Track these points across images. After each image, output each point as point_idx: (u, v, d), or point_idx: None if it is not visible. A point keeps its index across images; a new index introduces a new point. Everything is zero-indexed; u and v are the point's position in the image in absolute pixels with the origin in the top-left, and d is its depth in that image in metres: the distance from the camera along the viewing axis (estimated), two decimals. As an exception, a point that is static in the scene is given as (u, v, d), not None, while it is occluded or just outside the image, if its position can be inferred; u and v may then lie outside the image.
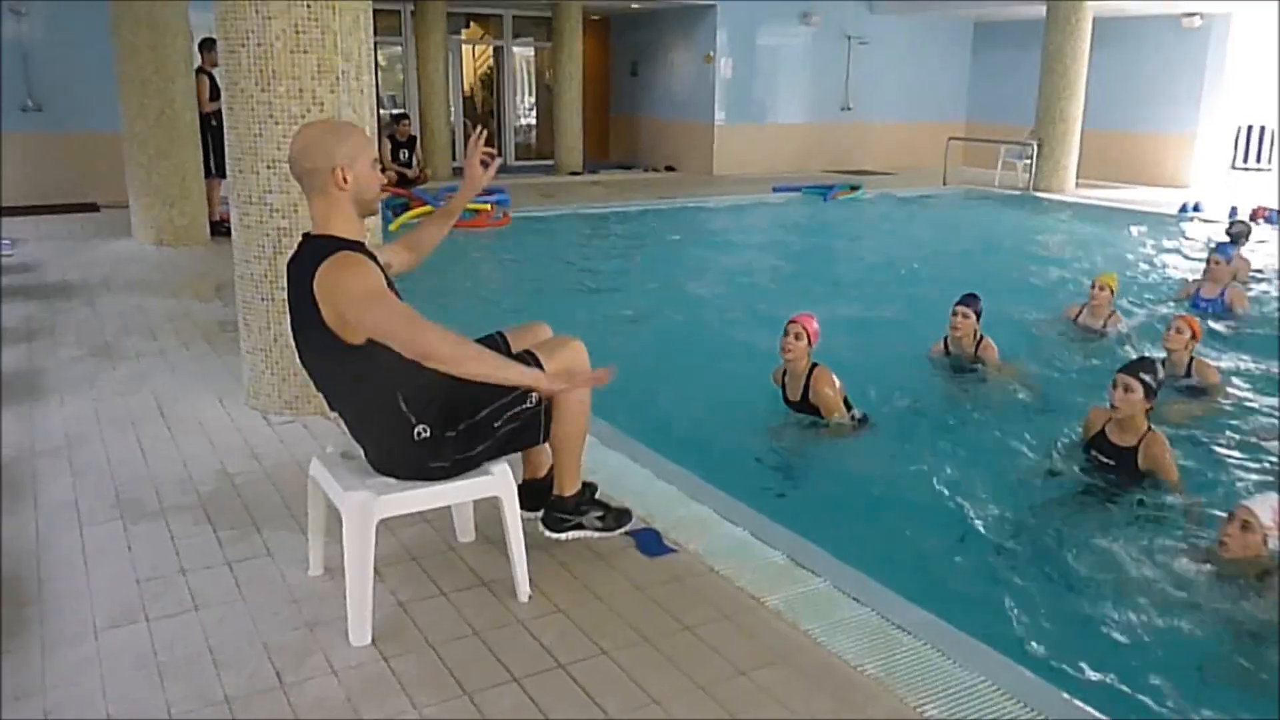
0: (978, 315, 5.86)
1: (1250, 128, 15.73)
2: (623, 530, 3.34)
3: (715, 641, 2.87)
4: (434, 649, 2.82)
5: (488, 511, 3.25)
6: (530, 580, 3.09)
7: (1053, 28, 14.95)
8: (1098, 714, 2.60)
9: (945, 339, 6.02)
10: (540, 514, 3.29)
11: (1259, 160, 15.74)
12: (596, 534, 3.28)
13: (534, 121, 20.91)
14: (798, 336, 4.91)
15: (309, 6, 4.28)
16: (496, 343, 3.13)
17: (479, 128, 3.37)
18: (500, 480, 2.98)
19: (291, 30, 4.28)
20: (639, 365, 6.30)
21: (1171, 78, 16.19)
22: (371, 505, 2.79)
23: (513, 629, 2.93)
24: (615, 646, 2.84)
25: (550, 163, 18.13)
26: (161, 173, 9.10)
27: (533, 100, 21.03)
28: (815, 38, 17.91)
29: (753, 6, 17.08)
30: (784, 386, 5.12)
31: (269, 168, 4.42)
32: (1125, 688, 3.00)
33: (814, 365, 4.98)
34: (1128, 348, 6.77)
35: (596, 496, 3.34)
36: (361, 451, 3.01)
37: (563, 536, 3.24)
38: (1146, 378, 4.29)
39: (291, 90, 4.34)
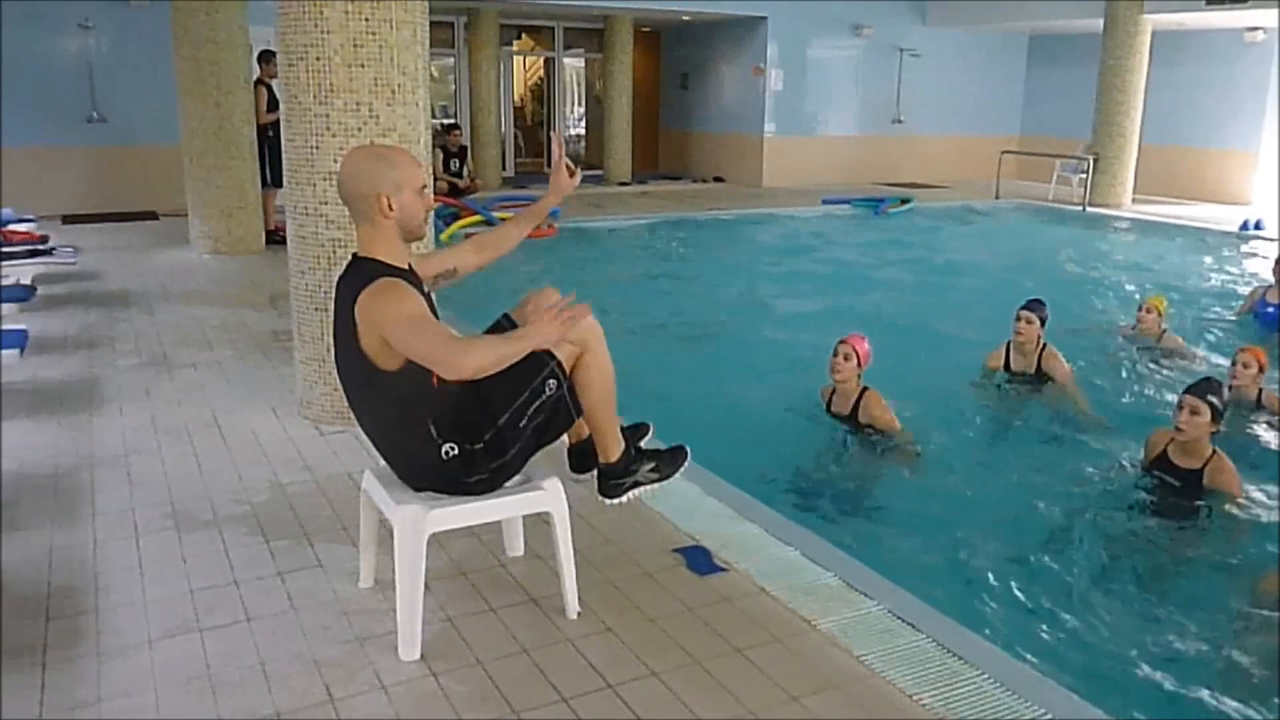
0: (1042, 322, 5.71)
1: (1316, 143, 15.31)
2: (680, 470, 3.21)
3: (766, 665, 2.83)
4: (482, 666, 2.80)
5: (537, 526, 3.24)
6: (579, 597, 3.07)
7: (1111, 41, 14.70)
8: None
9: (1007, 346, 5.87)
10: (591, 475, 3.20)
11: (1325, 176, 15.31)
12: (656, 485, 3.17)
13: (583, 132, 21.04)
14: (846, 357, 4.85)
15: (367, 21, 4.32)
16: (503, 325, 3.06)
17: (558, 134, 3.34)
18: (552, 495, 2.96)
19: (350, 44, 4.32)
20: (687, 377, 6.30)
21: (1234, 93, 15.82)
22: (423, 519, 2.79)
23: (562, 647, 2.90)
24: (665, 668, 2.80)
25: (599, 173, 18.17)
26: (219, 184, 9.25)
27: (582, 111, 21.17)
28: (867, 50, 17.79)
29: (804, 18, 17.01)
30: (829, 402, 5.06)
31: (325, 180, 4.46)
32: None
33: (864, 388, 4.92)
34: (1185, 363, 6.62)
35: (643, 446, 3.24)
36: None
37: (623, 499, 3.14)
38: (1213, 399, 4.17)
39: (348, 104, 4.38)
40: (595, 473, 3.18)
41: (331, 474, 4.17)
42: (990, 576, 3.74)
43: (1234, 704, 3.02)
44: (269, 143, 9.89)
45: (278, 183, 10.44)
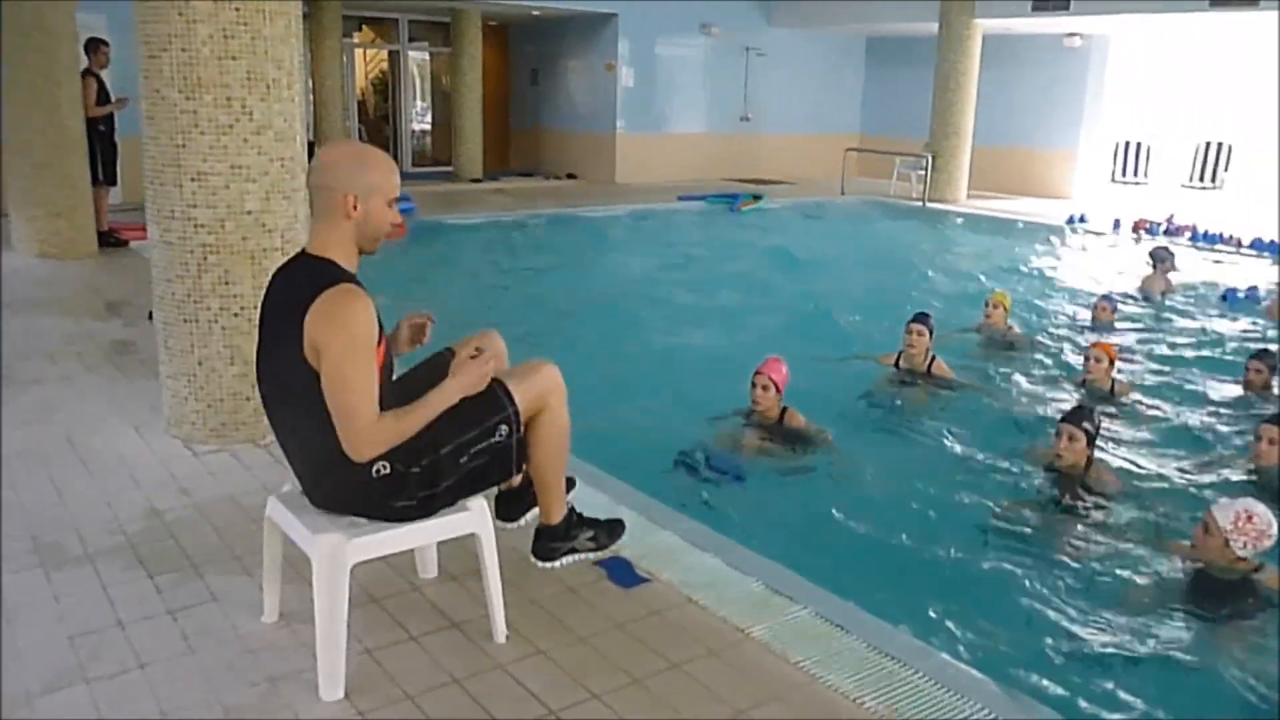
0: (930, 333, 5.95)
1: (1128, 143, 16.50)
2: (617, 544, 3.18)
3: (707, 679, 2.77)
4: (412, 700, 2.64)
5: (448, 545, 3.09)
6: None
7: (945, 45, 15.41)
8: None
9: (898, 356, 6.09)
10: (516, 524, 3.12)
11: (1137, 174, 16.52)
12: (592, 555, 3.13)
13: (429, 127, 20.55)
14: (765, 388, 4.90)
15: (238, 10, 4.03)
16: (445, 358, 2.92)
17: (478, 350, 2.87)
18: (478, 517, 2.82)
19: (220, 35, 4.01)
20: (570, 382, 6.18)
21: (1055, 95, 16.88)
22: (344, 549, 2.60)
23: (495, 675, 2.77)
24: (606, 690, 2.71)
25: (449, 169, 17.81)
26: (48, 182, 8.51)
27: (427, 105, 20.66)
28: (715, 49, 18.05)
29: (654, 16, 17.11)
30: (748, 419, 5.07)
31: (194, 180, 4.13)
32: (1125, 697, 3.02)
33: (784, 409, 4.97)
34: (1042, 358, 6.98)
35: (583, 515, 3.18)
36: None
37: (557, 564, 3.08)
38: (1088, 427, 4.44)
39: (219, 99, 4.08)
40: (534, 530, 3.11)
41: (213, 497, 3.87)
42: (902, 572, 3.82)
43: (1151, 690, 3.17)
44: (99, 137, 9.18)
45: (110, 180, 9.72)
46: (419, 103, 20.45)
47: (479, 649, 2.89)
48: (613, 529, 3.21)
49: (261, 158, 4.21)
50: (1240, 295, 9.36)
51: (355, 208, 2.53)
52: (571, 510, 3.11)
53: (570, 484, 3.21)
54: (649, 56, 17.40)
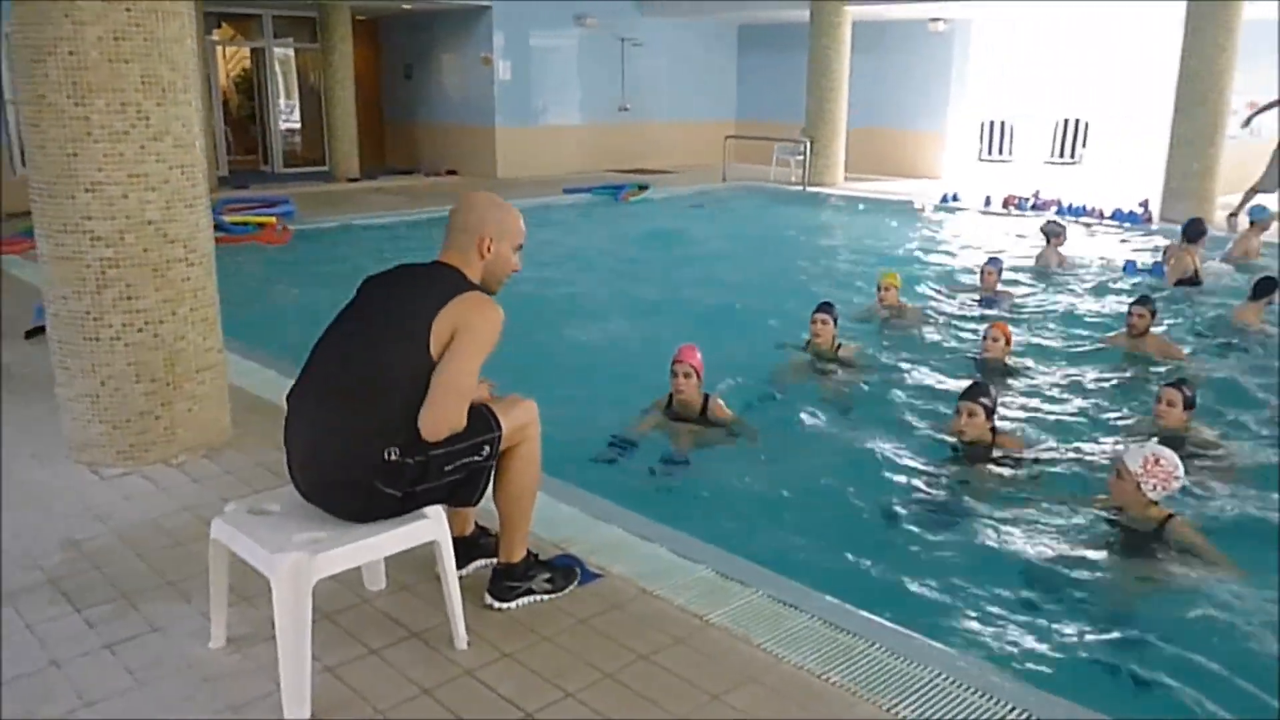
0: (835, 321, 6.11)
1: (993, 123, 17.24)
2: (573, 588, 3.19)
3: (677, 668, 2.80)
4: (385, 716, 2.59)
5: (396, 556, 3.03)
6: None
7: (817, 31, 15.78)
8: (1063, 699, 2.73)
9: (806, 343, 6.24)
10: (466, 571, 3.17)
11: (1002, 152, 17.28)
12: (547, 597, 3.13)
13: (298, 126, 19.90)
14: (687, 376, 4.94)
15: (129, 11, 3.83)
16: None
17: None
18: (436, 525, 2.78)
19: (110, 38, 3.81)
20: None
21: (922, 79, 17.50)
22: (307, 567, 2.52)
23: (464, 682, 2.73)
24: (579, 687, 2.71)
25: (323, 169, 17.33)
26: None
27: (294, 104, 20.00)
28: (591, 40, 18.05)
29: (528, 8, 16.99)
30: (668, 410, 5.11)
31: (88, 191, 3.92)
32: (1059, 657, 3.18)
33: (706, 397, 5.03)
34: (934, 335, 7.25)
35: (539, 557, 3.20)
36: (277, 502, 2.75)
37: (512, 605, 3.07)
38: (985, 401, 4.63)
39: (112, 104, 3.87)
40: (491, 570, 3.14)
41: (131, 523, 3.68)
42: (848, 552, 3.91)
43: (1083, 637, 3.35)
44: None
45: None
46: (285, 101, 19.79)
47: (443, 657, 2.85)
48: (568, 573, 3.22)
49: (161, 165, 4.02)
50: (1139, 267, 9.70)
51: (489, 249, 2.82)
52: (530, 552, 3.13)
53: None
54: (524, 49, 17.27)
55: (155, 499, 3.90)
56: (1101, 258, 10.52)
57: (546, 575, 3.14)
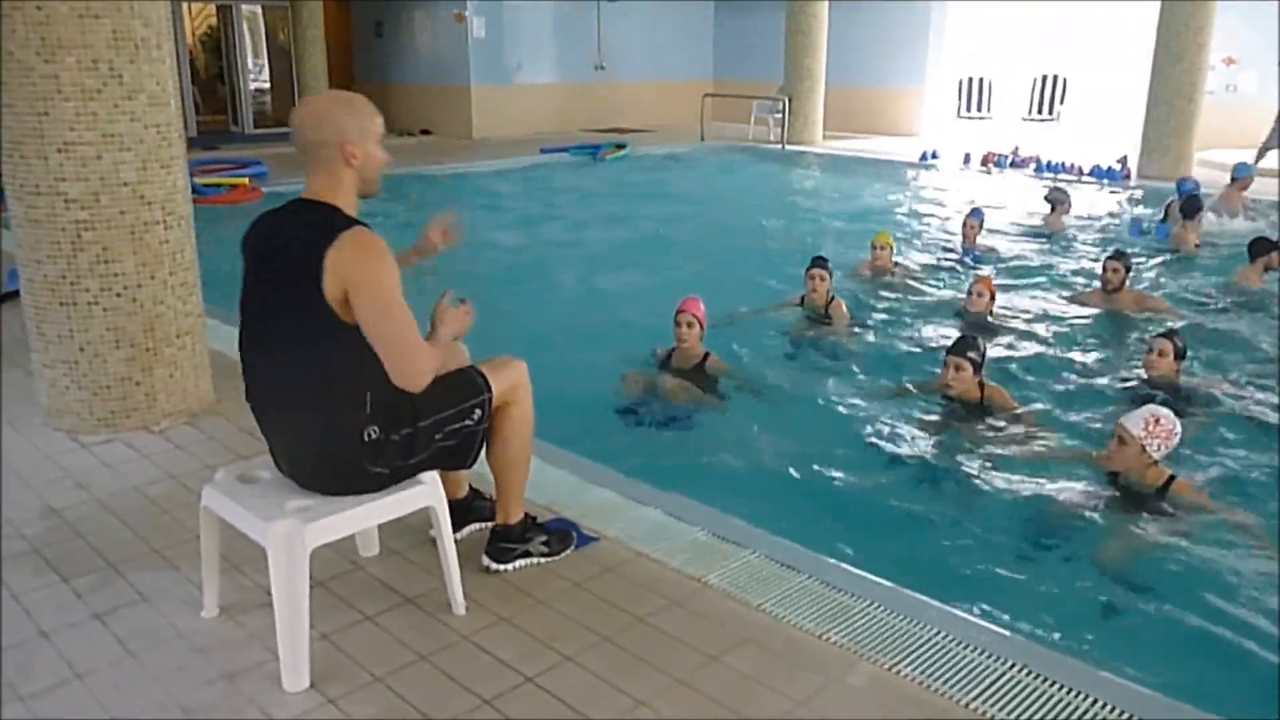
0: (830, 275, 6.09)
1: (971, 79, 17.17)
2: (570, 551, 3.16)
3: (675, 630, 2.79)
4: (383, 682, 2.56)
5: (387, 522, 2.99)
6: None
7: (794, -11, 15.62)
8: (1062, 655, 2.75)
9: (800, 298, 6.22)
10: (462, 534, 3.15)
11: (980, 110, 17.24)
12: (544, 559, 3.10)
13: (268, 85, 19.51)
14: (690, 325, 4.93)
15: (98, -37, 3.70)
16: None
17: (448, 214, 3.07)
18: (432, 490, 2.74)
19: (79, -9, 3.68)
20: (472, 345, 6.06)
21: (900, 36, 17.38)
22: (301, 534, 2.47)
23: (461, 647, 2.71)
24: (578, 650, 2.69)
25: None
26: None
27: (263, 63, 19.59)
28: (566, -4, 17.78)
29: (502, -36, 16.70)
30: (668, 362, 5.09)
31: (61, 151, 3.81)
32: (1059, 614, 3.20)
33: (705, 354, 5.01)
34: (922, 291, 7.25)
35: (537, 520, 3.16)
36: (267, 469, 2.69)
37: (509, 567, 3.04)
38: (973, 355, 4.63)
39: (83, 61, 3.75)
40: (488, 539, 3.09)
41: (114, 491, 3.62)
42: (840, 510, 3.92)
43: (1084, 598, 3.38)
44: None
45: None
46: (254, 60, 19.39)
47: (440, 622, 2.82)
48: (564, 536, 3.18)
49: (135, 124, 3.91)
50: (1144, 226, 9.60)
51: (355, 155, 2.50)
52: (527, 514, 3.09)
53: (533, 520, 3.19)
54: (498, 6, 16.99)
55: (137, 466, 3.83)
56: (1105, 218, 10.40)
57: (543, 538, 3.11)
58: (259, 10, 18.74)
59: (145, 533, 3.31)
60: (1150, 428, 3.73)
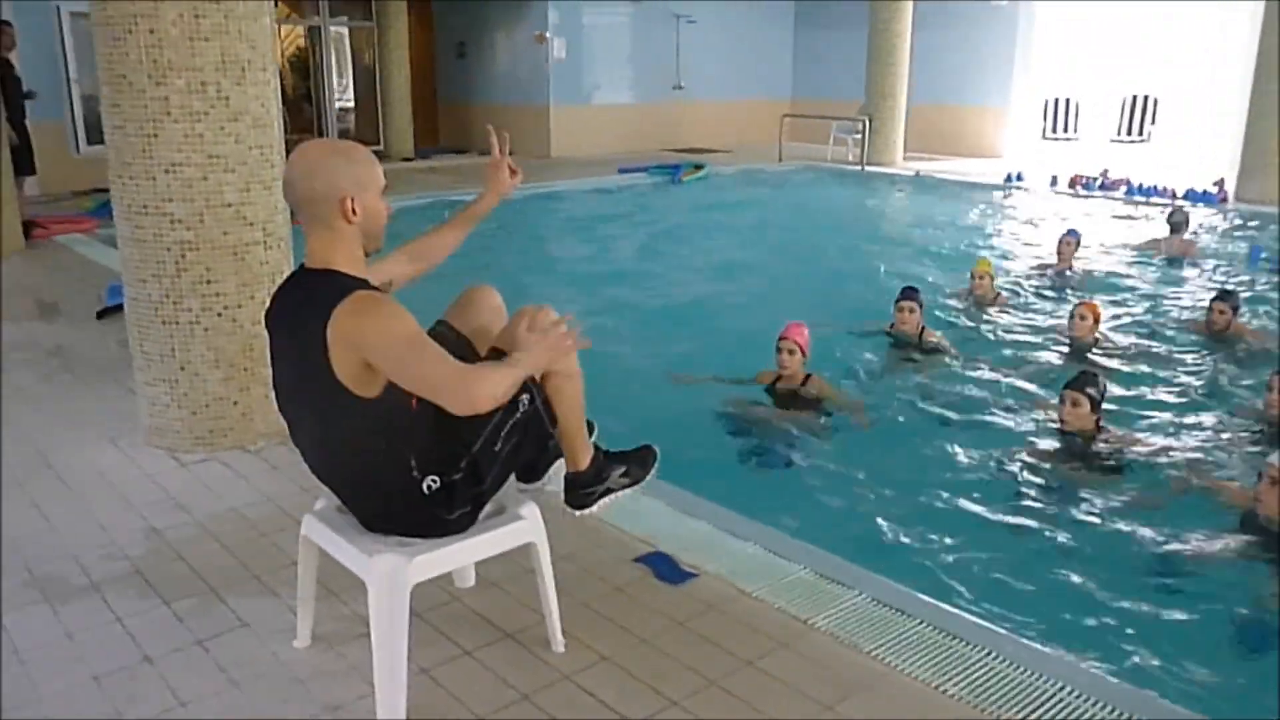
0: (920, 307, 5.94)
1: (1058, 100, 16.76)
2: (652, 473, 2.96)
3: (784, 675, 2.67)
4: (484, 721, 2.49)
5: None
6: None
7: (877, 7, 15.42)
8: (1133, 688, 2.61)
9: (890, 326, 6.11)
10: (538, 485, 2.92)
11: (1067, 130, 16.81)
12: (627, 491, 2.91)
13: (352, 105, 19.90)
14: (791, 352, 4.89)
15: (208, -12, 3.74)
16: (443, 335, 2.75)
17: (503, 133, 2.96)
18: (533, 525, 2.67)
19: (189, 15, 3.73)
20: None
21: (985, 54, 17.04)
22: (405, 571, 2.42)
23: (563, 686, 2.63)
24: (683, 694, 2.59)
25: (377, 148, 17.30)
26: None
27: (348, 82, 19.99)
28: (644, 17, 17.81)
29: (582, -15, 16.81)
30: (773, 389, 5.03)
31: (167, 172, 3.86)
32: (1193, 669, 3.01)
33: (807, 376, 4.95)
34: (1022, 318, 7.03)
35: (610, 451, 2.95)
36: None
37: (594, 509, 2.86)
38: (1091, 392, 4.46)
39: (192, 84, 3.80)
40: (562, 481, 2.88)
41: (214, 512, 3.63)
42: (952, 551, 3.76)
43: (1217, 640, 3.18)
44: (14, 126, 8.68)
45: (28, 170, 9.27)
46: (339, 80, 19.81)
47: (539, 660, 2.74)
48: (644, 458, 2.96)
49: (239, 146, 3.95)
50: (1263, 256, 9.04)
51: (355, 210, 2.33)
52: (598, 450, 2.90)
53: (590, 428, 2.96)
54: (578, 26, 17.09)
55: (235, 486, 3.84)
56: (1219, 244, 9.94)
57: (621, 469, 2.90)
58: (345, 31, 19.15)
59: (244, 556, 3.30)
60: None
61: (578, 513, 2.88)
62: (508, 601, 3.03)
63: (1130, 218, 11.78)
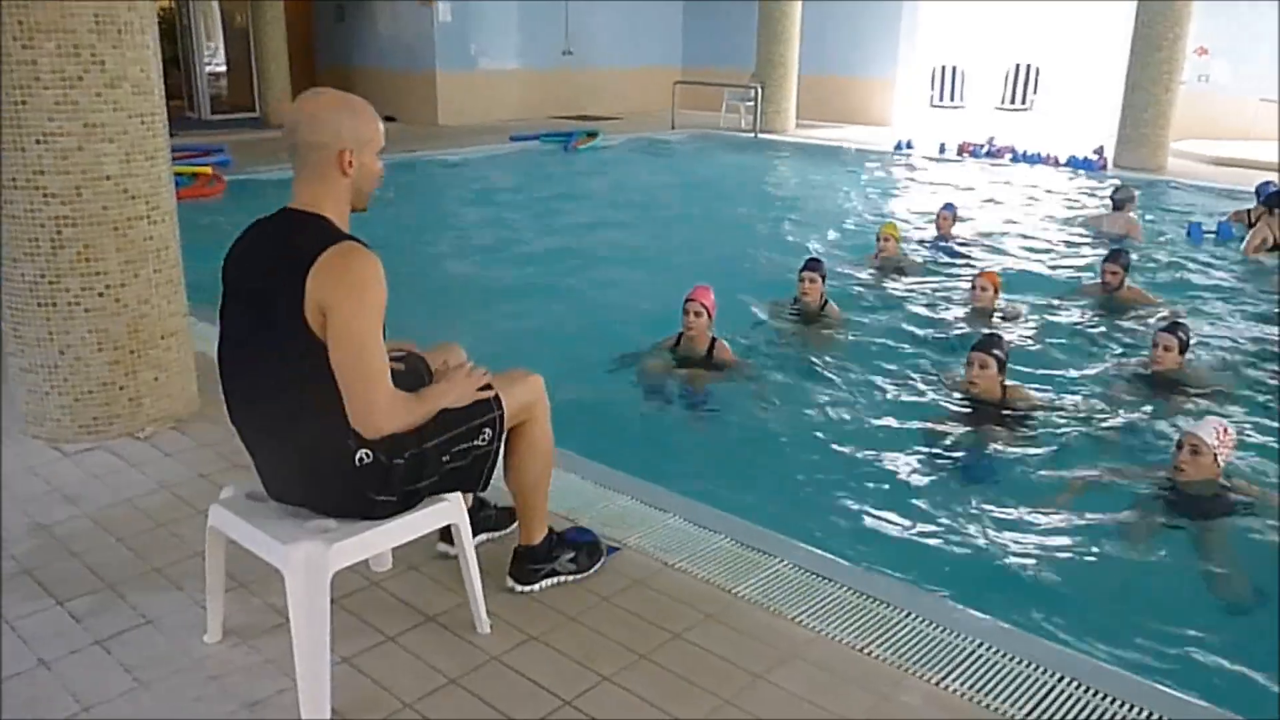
0: (823, 278, 5.98)
1: (944, 69, 17.17)
2: (598, 567, 3.01)
3: (714, 646, 2.68)
4: (412, 708, 2.42)
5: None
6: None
7: (767, -25, 15.50)
8: (1120, 670, 2.69)
9: (793, 300, 6.14)
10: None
11: (953, 99, 17.24)
12: (572, 577, 2.95)
13: (224, 69, 19.02)
14: (698, 314, 4.87)
15: (79, -57, 3.48)
16: (416, 365, 2.71)
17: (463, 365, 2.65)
18: (455, 508, 2.59)
19: (59, -28, 3.47)
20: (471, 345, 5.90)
21: (872, 24, 17.31)
22: (325, 557, 2.32)
23: (492, 669, 2.57)
24: (616, 670, 2.57)
25: (254, 115, 16.64)
26: None
27: (215, 45, 19.07)
28: (533, -19, 17.51)
29: (468, -52, 16.39)
30: (674, 351, 5.04)
31: (40, 143, 3.59)
32: (1105, 627, 3.13)
33: (713, 340, 4.94)
34: (930, 286, 7.19)
35: (563, 535, 3.00)
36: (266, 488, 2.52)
37: (536, 587, 2.89)
38: (997, 353, 4.57)
39: (64, 46, 3.54)
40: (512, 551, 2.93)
41: (105, 504, 3.43)
42: (869, 515, 3.82)
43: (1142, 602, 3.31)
44: None
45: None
46: (209, 43, 18.90)
47: (465, 642, 2.68)
48: (592, 551, 3.02)
49: (119, 114, 3.70)
50: (1204, 231, 8.98)
51: (350, 164, 2.33)
52: (551, 530, 2.93)
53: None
54: (466, -10, 16.69)
55: (127, 476, 3.64)
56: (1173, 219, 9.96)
57: (570, 555, 2.96)
58: (214, -7, 18.27)
59: (142, 550, 3.13)
60: (1221, 436, 3.73)
61: (520, 588, 2.89)
62: (427, 584, 2.95)
63: (1018, 183, 12.13)
